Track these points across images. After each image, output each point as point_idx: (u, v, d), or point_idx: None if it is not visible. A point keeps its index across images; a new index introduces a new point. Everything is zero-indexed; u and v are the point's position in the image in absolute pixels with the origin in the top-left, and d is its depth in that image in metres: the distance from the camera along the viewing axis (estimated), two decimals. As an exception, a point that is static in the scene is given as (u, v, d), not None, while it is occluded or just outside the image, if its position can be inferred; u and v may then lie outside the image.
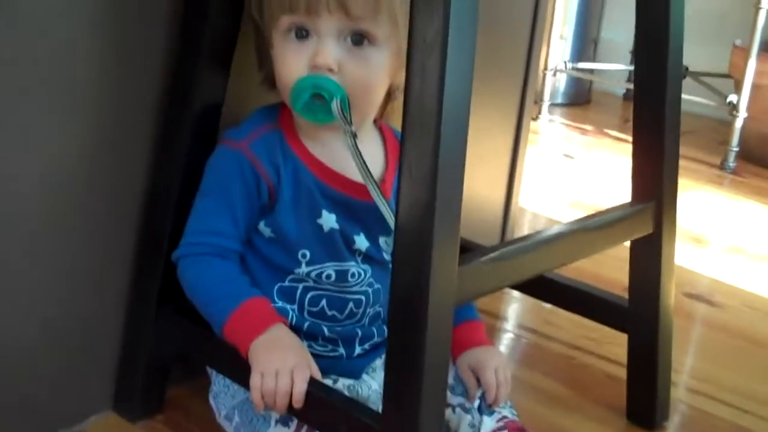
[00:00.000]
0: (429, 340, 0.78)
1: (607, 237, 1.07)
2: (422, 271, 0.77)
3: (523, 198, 1.96)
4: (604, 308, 1.20)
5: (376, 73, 0.93)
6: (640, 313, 1.15)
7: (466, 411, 0.99)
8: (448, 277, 0.79)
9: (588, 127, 2.91)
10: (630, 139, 1.14)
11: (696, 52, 2.92)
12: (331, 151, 0.96)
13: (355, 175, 0.93)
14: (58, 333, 1.02)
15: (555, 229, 1.00)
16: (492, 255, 0.89)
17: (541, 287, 1.22)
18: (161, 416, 1.10)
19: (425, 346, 0.78)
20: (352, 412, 0.88)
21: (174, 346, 1.06)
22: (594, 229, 1.05)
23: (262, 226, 0.96)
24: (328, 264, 0.97)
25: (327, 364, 0.96)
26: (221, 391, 1.00)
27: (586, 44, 3.20)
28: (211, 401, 1.02)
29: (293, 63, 0.91)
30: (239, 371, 0.92)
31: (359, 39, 0.91)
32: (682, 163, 2.57)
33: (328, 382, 0.95)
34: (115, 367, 1.08)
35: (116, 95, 0.99)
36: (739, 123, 2.55)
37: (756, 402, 1.31)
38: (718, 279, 1.79)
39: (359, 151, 0.89)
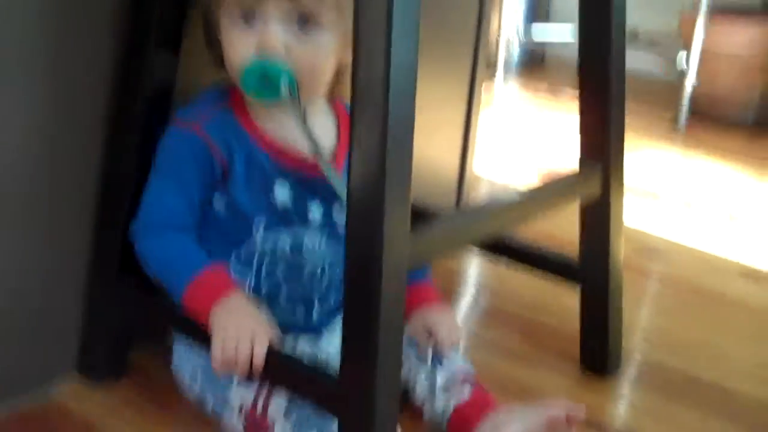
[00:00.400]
0: (384, 303, 0.81)
1: (556, 200, 1.10)
2: (375, 238, 0.80)
3: (478, 163, 1.99)
4: (557, 265, 1.24)
5: (323, 55, 0.95)
6: (591, 269, 1.19)
7: (420, 360, 1.03)
8: (400, 244, 0.82)
9: (542, 88, 2.94)
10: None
11: (648, 15, 2.97)
12: (282, 128, 0.98)
13: (304, 149, 0.95)
14: (21, 298, 1.05)
15: (505, 195, 1.03)
16: (443, 221, 0.92)
17: (496, 247, 1.26)
18: (125, 379, 1.13)
19: (380, 310, 0.81)
20: (310, 373, 0.91)
21: (136, 313, 1.09)
22: (543, 193, 1.08)
23: (216, 198, 0.98)
24: (282, 234, 1.00)
25: (287, 325, 0.99)
26: (182, 357, 1.03)
27: (538, 8, 3.22)
28: (173, 367, 1.04)
29: (241, 46, 0.93)
30: (200, 336, 0.95)
31: (305, 21, 0.93)
32: (634, 122, 2.63)
33: (290, 341, 0.98)
34: (78, 332, 1.11)
35: (68, 77, 1.01)
36: (689, 86, 2.60)
37: (705, 351, 1.36)
38: (668, 235, 1.84)
39: (308, 128, 0.92)
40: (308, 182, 0.99)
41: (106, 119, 1.05)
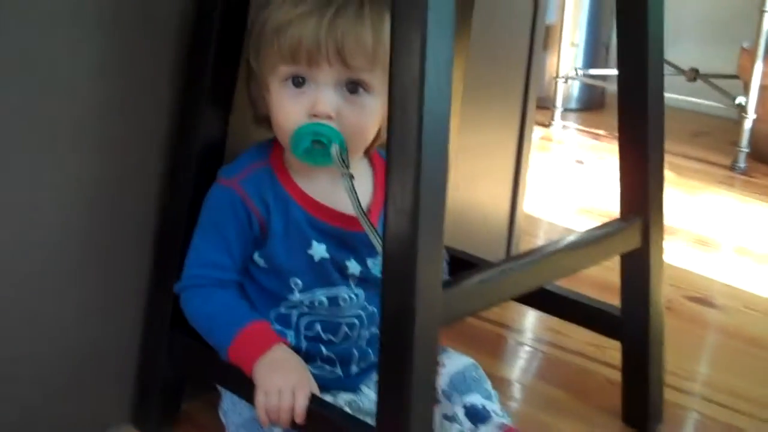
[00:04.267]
0: (417, 360, 0.84)
1: (595, 253, 1.12)
2: (408, 296, 0.83)
3: (532, 205, 2.01)
4: (599, 317, 1.25)
5: (371, 118, 0.98)
6: (631, 322, 1.20)
7: (450, 420, 1.05)
8: (432, 301, 0.85)
9: (601, 132, 2.94)
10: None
11: (706, 54, 2.96)
12: (319, 186, 1.02)
13: (341, 206, 0.99)
14: (79, 351, 1.10)
15: (542, 249, 1.05)
16: (477, 277, 0.94)
17: (537, 298, 1.27)
18: (177, 429, 1.17)
19: (413, 366, 0.84)
20: (349, 426, 0.94)
21: (186, 366, 1.13)
22: (582, 247, 1.10)
23: (256, 257, 1.03)
24: (319, 291, 1.03)
25: (326, 383, 1.02)
26: (229, 409, 1.07)
27: (597, 49, 3.23)
28: (222, 417, 1.08)
29: (292, 110, 0.97)
30: (245, 388, 0.98)
31: (355, 87, 0.97)
32: (693, 164, 2.61)
33: (329, 398, 1.02)
34: (132, 384, 1.16)
35: (124, 135, 1.06)
36: (748, 124, 2.58)
37: (752, 404, 1.34)
38: (722, 281, 1.82)
39: (356, 192, 0.95)
40: (345, 238, 1.03)
41: (161, 177, 1.10)
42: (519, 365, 1.46)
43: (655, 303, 1.18)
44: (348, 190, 0.95)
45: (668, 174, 2.41)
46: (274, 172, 1.02)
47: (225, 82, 1.06)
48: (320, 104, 0.96)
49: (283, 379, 0.95)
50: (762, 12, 2.50)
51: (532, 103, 1.69)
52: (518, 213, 1.73)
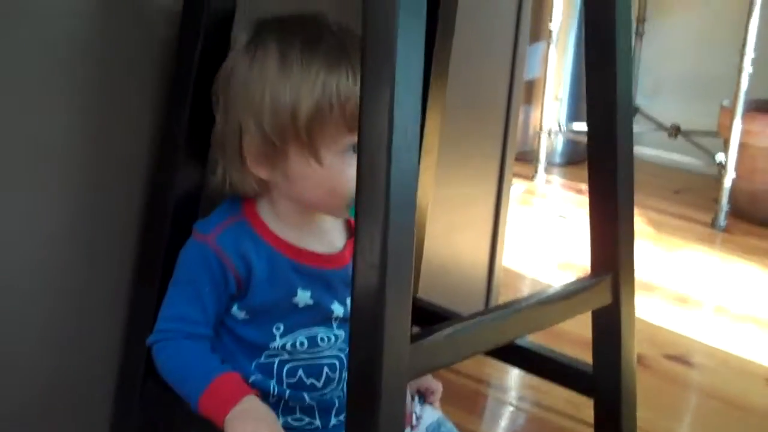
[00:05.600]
0: (383, 414, 0.84)
1: (565, 309, 1.12)
2: (375, 350, 0.84)
3: (514, 260, 2.02)
4: (571, 374, 1.25)
5: None
6: (603, 379, 1.20)
7: None
8: (400, 354, 0.85)
9: (584, 187, 2.95)
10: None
11: (688, 111, 3.00)
12: (295, 231, 1.05)
13: (318, 247, 1.03)
14: (52, 401, 1.10)
15: (512, 304, 1.05)
16: (446, 331, 0.94)
17: (510, 353, 1.28)
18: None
19: (380, 420, 0.84)
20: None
21: (159, 417, 1.13)
22: (552, 302, 1.10)
23: (235, 309, 1.04)
24: (299, 332, 1.05)
25: (307, 434, 1.03)
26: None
27: (581, 104, 3.26)
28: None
29: (353, 176, 0.92)
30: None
31: None
32: (673, 221, 2.62)
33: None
34: (106, 434, 1.15)
35: (100, 187, 1.08)
36: (728, 182, 2.61)
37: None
38: (700, 339, 1.83)
39: None
40: (328, 278, 1.05)
41: (137, 226, 1.11)
42: (495, 422, 1.46)
43: (626, 360, 1.19)
44: None
45: (649, 230, 2.47)
46: (251, 224, 1.04)
47: (201, 135, 1.08)
48: None
49: (254, 429, 0.95)
50: (740, 71, 2.54)
51: (511, 156, 1.71)
52: (497, 267, 1.74)
